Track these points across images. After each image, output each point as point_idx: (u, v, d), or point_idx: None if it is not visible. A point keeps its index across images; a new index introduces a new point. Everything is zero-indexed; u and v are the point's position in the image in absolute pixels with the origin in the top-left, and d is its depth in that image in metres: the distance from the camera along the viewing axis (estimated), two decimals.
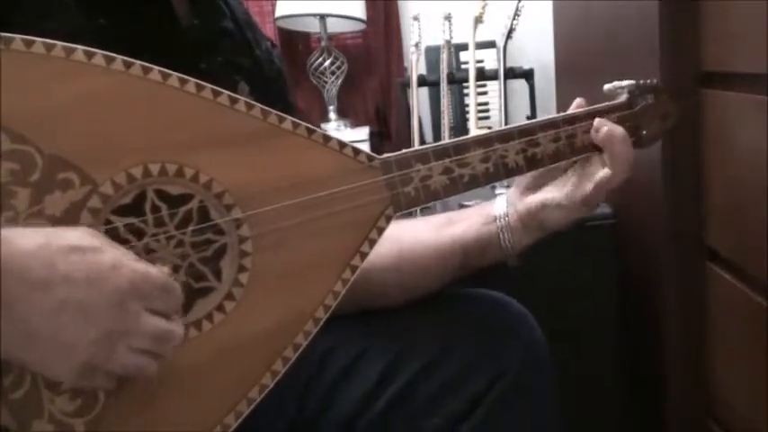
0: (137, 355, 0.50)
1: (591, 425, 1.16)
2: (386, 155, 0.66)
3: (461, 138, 0.69)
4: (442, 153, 0.68)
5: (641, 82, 0.78)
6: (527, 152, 0.71)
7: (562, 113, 0.74)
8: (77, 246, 0.48)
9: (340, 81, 1.96)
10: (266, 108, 0.61)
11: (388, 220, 0.66)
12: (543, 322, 0.78)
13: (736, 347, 0.92)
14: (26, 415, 0.51)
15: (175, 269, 0.57)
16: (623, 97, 0.77)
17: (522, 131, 0.71)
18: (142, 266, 0.50)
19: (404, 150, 0.67)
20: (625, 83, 0.77)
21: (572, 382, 0.92)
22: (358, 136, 1.88)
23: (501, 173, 0.70)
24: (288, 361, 0.61)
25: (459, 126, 1.79)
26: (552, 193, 0.74)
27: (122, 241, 0.55)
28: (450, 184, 0.68)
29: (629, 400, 1.19)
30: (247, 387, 0.59)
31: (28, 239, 0.46)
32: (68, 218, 0.52)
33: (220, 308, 0.59)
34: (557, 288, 1.12)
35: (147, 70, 0.55)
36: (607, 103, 0.76)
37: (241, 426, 0.59)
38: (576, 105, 0.76)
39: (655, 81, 0.79)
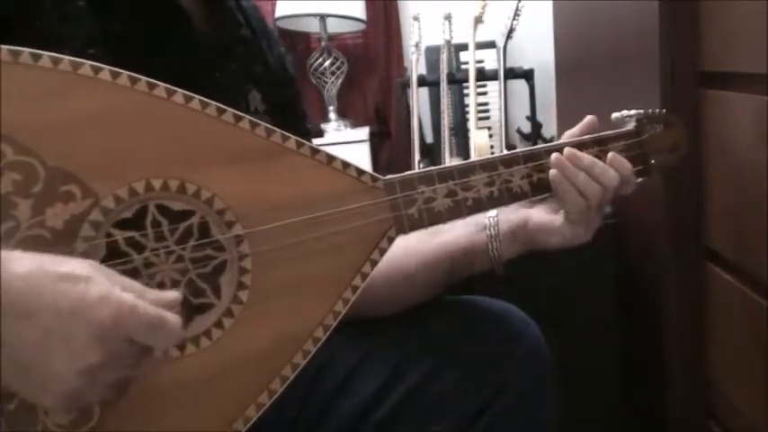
0: (121, 374, 0.49)
1: (591, 425, 1.16)
2: (390, 176, 0.65)
3: (466, 161, 0.69)
4: (446, 175, 0.67)
5: (650, 111, 0.78)
6: (532, 177, 0.70)
7: (568, 139, 0.73)
8: (68, 274, 0.46)
9: (340, 81, 1.97)
10: (270, 127, 0.60)
11: (391, 241, 0.65)
12: (543, 322, 0.78)
13: (736, 347, 0.92)
14: (21, 427, 0.51)
15: (174, 284, 0.57)
16: (631, 125, 0.77)
17: (528, 157, 0.70)
18: (130, 299, 0.47)
19: (408, 172, 0.67)
20: (633, 111, 0.77)
21: (572, 382, 0.92)
22: (358, 136, 1.88)
23: (505, 197, 0.70)
24: (286, 380, 0.60)
25: (459, 126, 1.79)
26: (550, 214, 0.73)
27: (122, 255, 0.55)
28: (454, 207, 0.67)
29: (629, 400, 1.19)
30: (245, 405, 0.59)
31: (22, 264, 0.46)
32: (69, 230, 0.52)
33: (219, 325, 0.58)
34: (557, 288, 1.12)
35: (152, 86, 0.55)
36: (614, 131, 0.75)
37: None
38: (587, 122, 0.75)
39: (664, 111, 0.78)
